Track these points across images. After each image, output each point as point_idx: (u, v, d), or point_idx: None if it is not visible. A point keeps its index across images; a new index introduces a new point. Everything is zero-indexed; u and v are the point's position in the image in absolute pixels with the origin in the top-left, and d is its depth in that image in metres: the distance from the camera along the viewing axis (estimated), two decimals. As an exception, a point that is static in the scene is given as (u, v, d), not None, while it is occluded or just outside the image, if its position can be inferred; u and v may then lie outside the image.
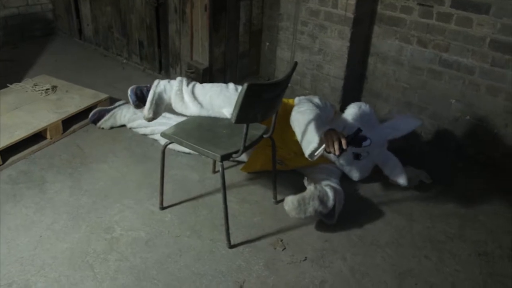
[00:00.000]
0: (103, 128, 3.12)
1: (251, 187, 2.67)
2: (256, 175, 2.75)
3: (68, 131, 3.05)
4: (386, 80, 3.35)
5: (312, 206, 2.25)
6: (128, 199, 2.51)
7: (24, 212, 2.37)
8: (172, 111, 2.64)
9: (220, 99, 2.45)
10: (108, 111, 3.12)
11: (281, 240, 2.31)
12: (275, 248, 2.26)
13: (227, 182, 2.61)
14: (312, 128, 2.27)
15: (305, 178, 2.53)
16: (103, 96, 3.29)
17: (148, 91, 2.55)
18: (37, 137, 2.89)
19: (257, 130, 2.31)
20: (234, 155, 2.13)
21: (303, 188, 2.37)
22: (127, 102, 2.79)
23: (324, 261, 2.21)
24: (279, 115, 2.39)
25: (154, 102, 2.51)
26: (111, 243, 2.22)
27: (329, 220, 2.39)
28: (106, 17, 4.24)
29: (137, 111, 2.88)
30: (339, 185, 2.52)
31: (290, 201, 2.25)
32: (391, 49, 3.25)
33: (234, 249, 2.23)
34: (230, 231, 2.25)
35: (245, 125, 2.02)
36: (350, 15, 3.12)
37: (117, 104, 3.20)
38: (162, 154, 2.32)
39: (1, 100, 3.11)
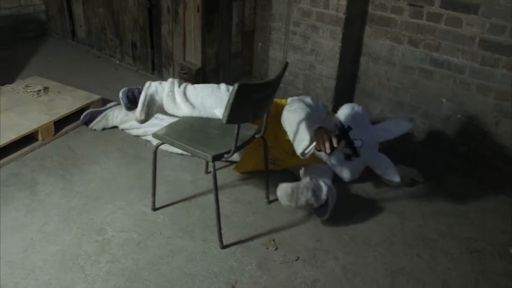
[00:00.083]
0: (95, 130, 3.11)
1: (244, 187, 2.68)
2: (248, 175, 2.76)
3: (60, 133, 3.04)
4: (378, 79, 3.37)
5: (305, 197, 2.26)
6: (120, 200, 2.51)
7: (14, 214, 2.36)
8: (164, 112, 2.64)
9: (211, 100, 2.45)
10: (100, 112, 3.12)
11: (274, 240, 2.31)
12: (267, 248, 2.26)
13: (220, 182, 2.62)
14: (303, 126, 2.28)
15: (302, 168, 2.52)
16: (95, 97, 3.28)
17: (139, 93, 2.54)
18: (28, 139, 2.88)
19: (249, 130, 2.31)
20: (225, 156, 2.14)
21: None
22: (119, 104, 2.79)
23: (316, 261, 2.21)
24: (272, 115, 2.39)
25: (145, 104, 2.51)
26: (102, 245, 2.21)
27: (321, 215, 2.39)
28: (99, 18, 4.23)
29: (129, 112, 2.88)
30: (331, 184, 2.53)
31: (284, 188, 2.26)
32: (382, 49, 3.27)
33: (226, 250, 2.23)
34: (223, 232, 2.25)
35: (236, 125, 2.03)
36: (342, 15, 3.13)
37: (109, 105, 3.19)
38: (154, 155, 2.32)
39: (-7, 102, 3.10)
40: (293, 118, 2.35)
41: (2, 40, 4.41)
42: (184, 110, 2.47)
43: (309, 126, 2.27)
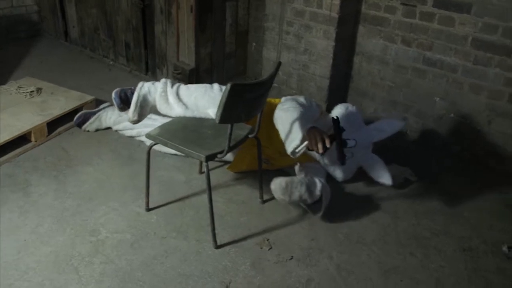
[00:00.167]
0: (88, 131, 3.10)
1: (238, 187, 2.68)
2: (242, 175, 2.76)
3: (53, 134, 3.03)
4: (371, 79, 3.38)
5: (299, 191, 2.27)
6: (114, 201, 2.50)
7: (8, 216, 2.35)
8: (157, 112, 2.63)
9: (205, 100, 2.45)
10: (93, 114, 3.11)
11: (268, 240, 2.31)
12: (261, 248, 2.26)
13: (214, 182, 2.62)
14: (294, 125, 2.28)
15: (297, 164, 2.53)
16: (89, 98, 3.27)
17: (132, 93, 2.54)
18: (21, 140, 2.86)
19: (242, 130, 2.32)
20: (219, 156, 2.14)
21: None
22: (112, 104, 2.78)
23: (311, 260, 2.21)
24: (265, 115, 2.39)
25: (138, 104, 2.51)
26: (96, 246, 2.20)
27: (315, 212, 2.40)
28: (92, 18, 4.22)
29: (123, 113, 2.87)
30: (325, 182, 2.53)
31: (278, 182, 2.27)
32: (376, 48, 3.28)
33: (220, 250, 2.23)
34: (217, 232, 2.25)
35: (229, 125, 2.03)
36: (335, 15, 3.14)
37: (102, 106, 3.18)
38: (147, 155, 2.32)
39: (-15, 103, 3.09)
40: (285, 117, 2.36)
41: (-5, 40, 4.40)
42: (177, 110, 2.47)
43: (301, 126, 2.28)
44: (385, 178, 2.59)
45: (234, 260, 2.18)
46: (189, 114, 2.46)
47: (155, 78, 3.82)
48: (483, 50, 2.82)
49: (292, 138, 2.26)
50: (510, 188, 2.81)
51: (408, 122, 3.26)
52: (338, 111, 2.71)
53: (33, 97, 3.22)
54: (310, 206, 2.40)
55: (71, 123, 3.12)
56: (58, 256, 2.13)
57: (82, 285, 2.00)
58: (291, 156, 2.28)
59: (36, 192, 2.53)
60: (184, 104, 2.48)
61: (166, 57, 3.70)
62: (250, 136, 2.33)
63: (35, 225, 2.30)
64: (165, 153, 2.88)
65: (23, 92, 3.25)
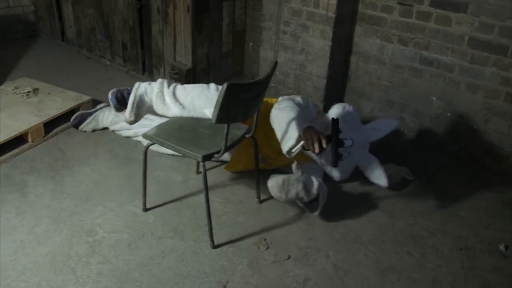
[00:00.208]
0: (85, 131, 3.09)
1: (235, 187, 2.68)
2: (239, 175, 2.76)
3: (50, 134, 3.02)
4: (368, 78, 3.38)
5: (295, 189, 2.27)
6: (111, 201, 2.50)
7: (4, 216, 2.35)
8: (154, 113, 2.63)
9: (201, 100, 2.45)
10: (90, 114, 3.10)
11: (265, 240, 2.31)
12: (258, 248, 2.26)
13: (211, 182, 2.62)
14: (290, 125, 2.28)
15: (295, 162, 2.53)
16: (85, 98, 3.27)
17: (129, 94, 2.54)
18: (18, 141, 2.86)
19: (239, 130, 2.32)
20: (216, 155, 2.14)
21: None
22: (109, 105, 2.78)
23: (308, 259, 2.22)
24: (262, 115, 2.40)
25: (135, 105, 2.50)
26: (93, 246, 2.20)
27: (312, 210, 2.40)
28: (88, 19, 4.21)
29: (119, 113, 2.87)
30: (322, 181, 2.54)
31: (275, 179, 2.27)
32: (372, 48, 3.28)
33: (217, 249, 2.23)
34: (214, 231, 2.25)
35: (226, 125, 2.03)
36: (332, 14, 3.14)
37: (98, 107, 3.18)
38: (144, 155, 2.31)
39: (-19, 103, 3.08)
40: (281, 116, 2.36)
41: (-9, 41, 4.39)
42: (174, 110, 2.47)
43: (297, 125, 2.28)
44: (381, 180, 2.59)
45: (231, 260, 2.18)
46: (186, 114, 2.45)
47: (152, 78, 3.82)
48: (479, 49, 2.83)
49: (288, 138, 2.26)
50: (507, 187, 2.82)
51: (405, 121, 3.27)
52: (335, 110, 2.71)
53: (30, 97, 3.22)
54: (306, 205, 2.40)
55: (68, 123, 3.11)
56: (55, 257, 2.13)
57: (79, 286, 1.99)
58: (287, 156, 2.28)
59: (33, 192, 2.53)
60: (181, 104, 2.47)
61: (163, 57, 3.70)
62: (247, 136, 2.33)
63: (32, 226, 2.30)
64: (162, 153, 2.88)
65: (20, 93, 3.24)
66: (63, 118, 3.10)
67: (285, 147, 2.26)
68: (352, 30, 3.34)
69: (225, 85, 1.86)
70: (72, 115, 3.10)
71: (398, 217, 2.53)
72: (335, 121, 2.31)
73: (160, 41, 3.66)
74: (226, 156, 2.69)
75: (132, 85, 2.59)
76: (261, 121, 2.39)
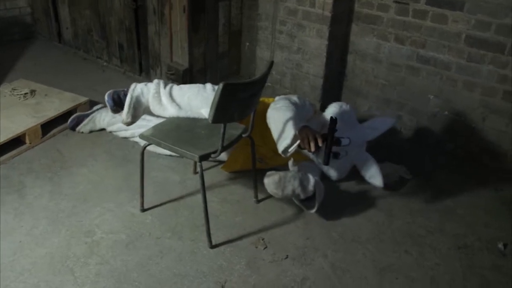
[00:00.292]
0: (82, 133, 3.09)
1: (232, 186, 2.68)
2: (237, 174, 2.76)
3: (47, 136, 3.02)
4: (365, 77, 3.38)
5: (292, 186, 2.26)
6: (108, 202, 2.50)
7: (2, 218, 2.34)
8: (151, 113, 2.63)
9: (198, 100, 2.45)
10: (87, 116, 3.10)
11: (263, 239, 2.31)
12: (256, 247, 2.26)
13: (208, 182, 2.62)
14: (286, 124, 2.29)
15: (291, 160, 2.53)
16: (82, 99, 3.27)
17: (125, 95, 2.54)
18: (16, 142, 2.85)
19: (235, 129, 2.32)
20: (212, 155, 2.13)
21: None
22: (106, 106, 2.77)
23: (306, 259, 2.22)
24: (259, 114, 2.39)
25: (132, 106, 2.50)
26: (91, 247, 2.20)
27: (309, 208, 2.40)
28: (85, 20, 4.21)
29: (116, 114, 2.86)
30: (319, 179, 2.54)
31: (271, 175, 2.27)
32: (369, 47, 3.28)
33: (215, 249, 2.23)
34: (212, 231, 2.25)
35: (222, 125, 2.03)
36: (328, 13, 3.14)
37: (95, 108, 3.17)
38: (141, 156, 2.31)
39: (-22, 105, 3.08)
40: (277, 116, 2.36)
41: (-12, 43, 4.38)
42: (170, 111, 2.47)
43: (293, 125, 2.28)
44: (376, 179, 2.59)
45: (229, 260, 2.18)
46: (182, 114, 2.45)
47: (149, 79, 3.82)
48: (476, 47, 2.83)
49: (284, 137, 2.26)
50: (505, 185, 2.82)
51: (402, 120, 3.27)
52: (332, 109, 2.71)
53: (27, 99, 3.21)
54: (303, 202, 2.40)
55: (65, 124, 3.11)
56: (53, 258, 2.13)
57: (77, 286, 1.99)
58: (283, 155, 2.28)
59: (31, 194, 2.53)
60: (177, 105, 2.47)
61: (159, 57, 3.70)
62: (243, 135, 2.33)
63: (30, 227, 2.30)
64: (159, 153, 2.88)
65: (17, 94, 3.24)
66: (60, 119, 3.10)
67: (280, 147, 2.27)
68: (349, 29, 3.34)
69: (221, 85, 1.86)
70: (70, 116, 3.10)
71: (395, 215, 2.53)
72: (333, 120, 2.31)
73: (156, 41, 3.66)
74: (223, 156, 2.69)
75: (129, 86, 2.59)
76: (257, 121, 2.39)
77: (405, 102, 3.24)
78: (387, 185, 2.64)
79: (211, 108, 1.92)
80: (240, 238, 2.31)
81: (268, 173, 2.30)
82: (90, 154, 2.90)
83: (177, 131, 2.31)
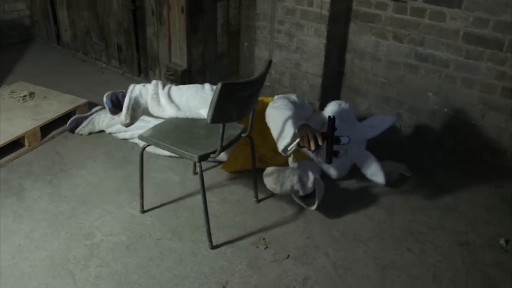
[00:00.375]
0: (81, 134, 3.09)
1: (232, 186, 2.67)
2: (237, 174, 2.75)
3: (46, 138, 3.01)
4: (364, 75, 3.38)
5: (290, 181, 2.26)
6: (108, 203, 2.49)
7: (2, 221, 2.34)
8: (150, 114, 2.62)
9: (196, 100, 2.45)
10: (86, 117, 3.10)
11: (264, 239, 2.31)
12: (257, 247, 2.26)
13: (208, 182, 2.61)
14: (286, 123, 2.28)
15: (292, 156, 2.52)
16: (81, 101, 3.26)
17: (123, 96, 2.53)
18: (15, 145, 2.85)
19: (234, 129, 2.31)
20: (212, 155, 2.13)
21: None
22: (105, 108, 2.77)
23: (307, 258, 2.21)
24: (258, 114, 2.39)
25: (130, 107, 2.50)
26: (91, 249, 2.19)
27: (309, 205, 2.39)
28: (83, 22, 4.21)
29: (115, 116, 2.86)
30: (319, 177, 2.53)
31: (270, 171, 2.27)
32: (367, 45, 3.28)
33: (216, 250, 2.23)
34: (212, 232, 2.24)
35: (221, 125, 2.02)
36: (326, 12, 3.14)
37: (94, 110, 3.17)
38: (140, 157, 2.31)
39: (-23, 109, 3.07)
40: (276, 115, 2.36)
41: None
42: (169, 111, 2.46)
43: (292, 123, 2.27)
44: (378, 177, 2.59)
45: (230, 260, 2.17)
46: (181, 115, 2.45)
47: (147, 80, 3.81)
48: (474, 44, 2.83)
49: (284, 136, 2.26)
50: (505, 181, 2.82)
51: (402, 117, 3.26)
52: (331, 108, 2.71)
53: (26, 101, 3.21)
54: (303, 199, 2.39)
55: (65, 126, 3.11)
56: (53, 260, 2.12)
57: (77, 289, 1.99)
58: (283, 154, 2.28)
59: (31, 196, 2.52)
60: (176, 105, 2.47)
61: (158, 58, 3.70)
62: (243, 135, 2.32)
63: (29, 230, 2.29)
64: (159, 154, 2.87)
65: (16, 97, 3.24)
66: (59, 121, 3.10)
67: (280, 145, 2.26)
68: (347, 27, 3.34)
69: (219, 84, 1.86)
70: (69, 118, 3.10)
71: (396, 213, 2.53)
72: (331, 119, 2.31)
73: (155, 42, 3.66)
74: (223, 156, 2.69)
75: (127, 88, 2.58)
76: (257, 120, 2.38)
77: (404, 100, 3.23)
78: (388, 182, 2.63)
79: (209, 108, 1.92)
80: (240, 238, 2.31)
81: (267, 169, 2.30)
82: (89, 156, 2.90)
83: (176, 132, 2.31)
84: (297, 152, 2.42)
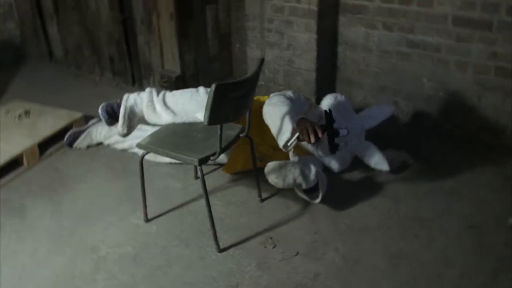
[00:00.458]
0: (80, 148, 3.07)
1: (235, 188, 2.66)
2: (239, 176, 2.74)
3: (45, 155, 3.00)
4: (357, 67, 3.37)
5: (293, 175, 2.25)
6: (111, 215, 2.47)
7: (5, 242, 2.31)
8: (146, 123, 2.61)
9: (192, 105, 2.44)
10: (83, 131, 3.08)
11: (271, 238, 2.29)
12: (265, 247, 2.24)
13: (210, 186, 2.60)
14: (284, 119, 2.27)
15: (292, 151, 2.51)
16: (77, 115, 3.25)
17: (118, 107, 2.53)
18: (13, 164, 2.84)
19: (232, 130, 2.30)
20: (212, 158, 2.12)
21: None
22: (101, 120, 2.76)
23: (316, 254, 2.19)
24: (255, 112, 2.38)
25: (126, 117, 2.49)
26: (97, 263, 2.17)
27: (313, 198, 2.38)
28: (74, 36, 4.19)
29: (112, 127, 2.85)
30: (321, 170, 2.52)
31: (272, 165, 2.27)
32: (358, 37, 3.27)
33: (224, 253, 2.21)
34: (218, 235, 2.22)
35: (219, 126, 2.01)
36: (314, 7, 3.13)
37: (91, 122, 3.16)
38: (140, 165, 2.29)
39: (-26, 130, 3.06)
40: (273, 111, 2.35)
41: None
42: (165, 118, 2.45)
43: (290, 118, 2.27)
44: (382, 164, 2.58)
45: (239, 262, 2.16)
46: (178, 120, 2.44)
47: (142, 89, 3.76)
48: (463, 27, 2.82)
49: (283, 132, 2.25)
50: (506, 160, 2.80)
51: (399, 106, 3.25)
52: (327, 101, 2.70)
53: (22, 119, 3.20)
54: (306, 193, 2.38)
55: (62, 142, 3.09)
56: (59, 278, 2.10)
57: (87, 303, 1.97)
58: (284, 150, 2.27)
59: (32, 215, 2.50)
60: (172, 111, 2.46)
61: (151, 66, 3.69)
62: (241, 135, 2.31)
63: (33, 249, 2.26)
64: (159, 162, 2.86)
65: (12, 116, 3.22)
66: (57, 137, 3.08)
67: (281, 141, 2.25)
68: (336, 21, 3.33)
69: (213, 86, 1.85)
70: (66, 133, 3.08)
71: (401, 201, 2.51)
72: (328, 114, 2.30)
73: (147, 51, 3.65)
74: (223, 158, 2.68)
75: (122, 98, 2.57)
76: (254, 119, 2.37)
77: (399, 88, 3.22)
78: (392, 170, 2.62)
79: (205, 110, 1.91)
80: (247, 239, 2.29)
81: (269, 164, 2.29)
82: (89, 169, 2.88)
83: (174, 137, 2.30)
84: (298, 148, 2.41)
